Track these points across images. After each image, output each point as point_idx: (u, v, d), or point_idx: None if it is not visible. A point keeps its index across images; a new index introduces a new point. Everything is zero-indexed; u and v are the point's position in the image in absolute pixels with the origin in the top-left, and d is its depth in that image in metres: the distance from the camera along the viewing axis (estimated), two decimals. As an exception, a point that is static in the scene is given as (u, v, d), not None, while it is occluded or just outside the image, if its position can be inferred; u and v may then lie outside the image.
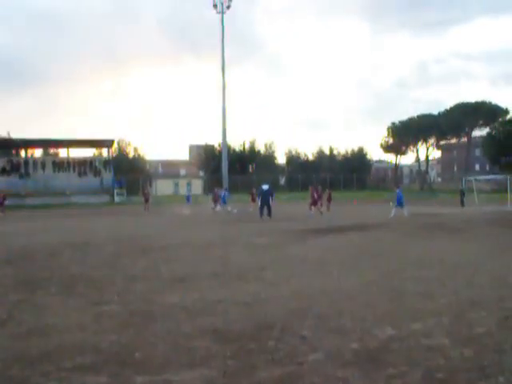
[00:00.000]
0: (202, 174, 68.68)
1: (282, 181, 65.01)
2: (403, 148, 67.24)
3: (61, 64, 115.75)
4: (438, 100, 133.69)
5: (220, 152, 45.82)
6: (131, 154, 65.41)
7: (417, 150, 66.43)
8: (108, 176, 45.96)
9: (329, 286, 6.22)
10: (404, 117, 73.28)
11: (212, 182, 51.66)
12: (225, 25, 36.81)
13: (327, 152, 72.50)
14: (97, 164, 47.54)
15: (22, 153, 50.83)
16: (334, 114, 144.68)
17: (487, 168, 64.51)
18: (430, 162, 71.94)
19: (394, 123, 66.40)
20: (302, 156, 71.42)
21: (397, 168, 72.83)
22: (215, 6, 37.79)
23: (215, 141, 65.06)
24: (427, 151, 66.21)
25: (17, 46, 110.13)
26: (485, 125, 58.87)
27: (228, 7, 37.73)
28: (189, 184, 62.16)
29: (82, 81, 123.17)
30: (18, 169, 45.44)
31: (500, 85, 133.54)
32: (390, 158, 75.47)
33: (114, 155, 57.13)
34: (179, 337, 4.22)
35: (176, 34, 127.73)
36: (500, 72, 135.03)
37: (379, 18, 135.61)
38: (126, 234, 14.24)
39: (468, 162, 62.78)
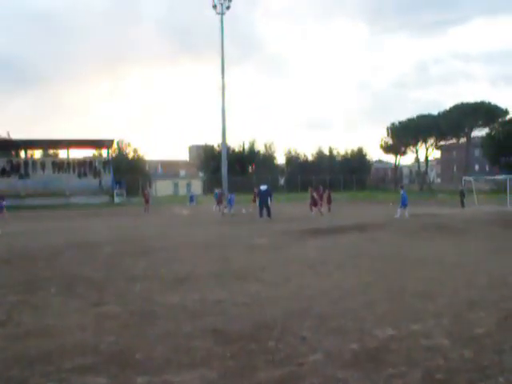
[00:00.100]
0: (201, 174, 68.63)
1: (282, 181, 64.98)
2: (403, 148, 67.21)
3: (59, 65, 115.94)
4: (438, 100, 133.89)
5: (220, 152, 45.77)
6: (131, 155, 65.32)
7: (416, 151, 66.42)
8: (108, 177, 45.94)
9: (329, 287, 6.23)
10: (403, 117, 73.17)
11: (211, 182, 51.70)
12: (224, 25, 36.78)
13: (327, 152, 72.44)
14: (96, 165, 47.52)
15: (22, 153, 50.83)
16: (334, 115, 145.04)
17: (487, 168, 64.53)
18: (429, 163, 71.93)
19: (393, 124, 66.39)
20: (302, 156, 71.37)
21: (396, 168, 72.83)
22: (215, 6, 37.78)
23: (215, 141, 64.95)
24: (427, 152, 66.22)
25: (16, 46, 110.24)
26: (484, 125, 58.79)
27: (228, 8, 37.72)
28: (189, 185, 62.21)
29: (82, 81, 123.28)
30: (18, 169, 45.39)
31: (499, 85, 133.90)
32: (390, 158, 75.61)
33: (114, 156, 57.13)
34: (179, 337, 4.23)
35: (176, 34, 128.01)
36: (499, 72, 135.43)
37: (378, 19, 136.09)
38: (126, 234, 14.24)
39: (467, 163, 62.74)
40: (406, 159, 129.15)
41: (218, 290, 6.17)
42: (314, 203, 21.17)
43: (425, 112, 68.03)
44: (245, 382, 3.28)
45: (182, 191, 61.24)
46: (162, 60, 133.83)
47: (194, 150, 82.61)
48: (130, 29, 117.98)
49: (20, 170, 45.42)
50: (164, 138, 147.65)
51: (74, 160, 47.73)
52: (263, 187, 19.39)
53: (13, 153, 51.66)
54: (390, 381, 3.24)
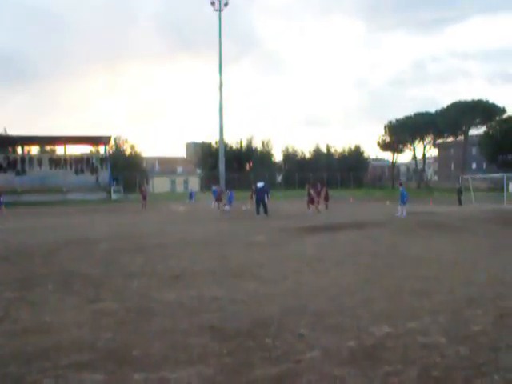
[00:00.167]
0: (198, 171, 68.57)
1: (279, 178, 65.01)
2: (400, 146, 67.23)
3: (57, 61, 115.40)
4: (435, 98, 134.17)
5: (217, 149, 45.76)
6: (128, 151, 65.19)
7: (414, 149, 66.49)
8: (105, 173, 45.84)
9: (326, 284, 6.24)
10: (401, 115, 73.19)
11: (209, 179, 51.68)
12: (222, 22, 36.71)
13: (324, 150, 72.49)
14: (94, 161, 47.41)
15: (19, 150, 50.65)
16: (331, 112, 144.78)
17: (484, 166, 64.68)
18: (426, 161, 71.99)
19: (390, 121, 66.37)
20: (299, 154, 71.40)
21: (394, 166, 72.90)
22: (213, 3, 37.69)
23: (212, 138, 65.00)
24: (424, 149, 66.29)
25: (15, 42, 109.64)
26: (482, 123, 58.86)
27: (226, 4, 37.65)
28: (186, 182, 62.14)
29: (79, 78, 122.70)
30: (15, 166, 45.25)
31: (497, 83, 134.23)
32: (387, 156, 75.69)
33: (111, 152, 57.00)
34: (176, 334, 4.22)
35: (173, 30, 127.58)
36: (496, 70, 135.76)
37: (376, 17, 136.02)
38: (123, 231, 14.21)
39: (465, 161, 62.87)
40: (404, 157, 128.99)
41: (216, 286, 6.17)
42: (312, 200, 21.20)
43: (422, 110, 68.29)
44: (242, 378, 3.28)
45: (180, 188, 61.23)
46: (160, 57, 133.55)
47: (191, 146, 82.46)
48: (128, 25, 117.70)
49: (17, 166, 45.28)
50: (161, 135, 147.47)
51: (71, 156, 47.64)
52: (260, 184, 19.38)
53: (10, 149, 51.49)
54: (387, 378, 3.25)
